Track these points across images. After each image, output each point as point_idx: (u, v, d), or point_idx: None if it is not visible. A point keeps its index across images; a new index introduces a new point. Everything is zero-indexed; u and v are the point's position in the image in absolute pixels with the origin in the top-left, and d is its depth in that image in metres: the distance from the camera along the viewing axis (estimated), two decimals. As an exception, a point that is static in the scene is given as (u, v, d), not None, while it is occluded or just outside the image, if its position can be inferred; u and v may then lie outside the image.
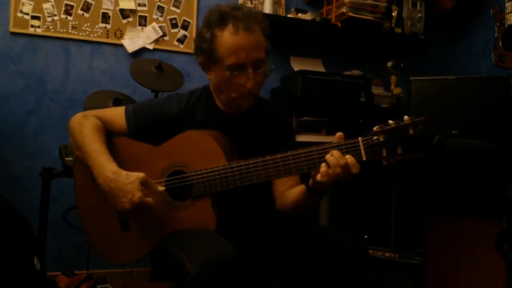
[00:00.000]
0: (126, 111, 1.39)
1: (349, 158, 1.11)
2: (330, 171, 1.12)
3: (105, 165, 1.23)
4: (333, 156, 1.11)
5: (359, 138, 1.12)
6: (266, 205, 1.44)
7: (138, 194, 1.17)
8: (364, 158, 1.12)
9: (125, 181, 1.19)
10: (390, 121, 1.11)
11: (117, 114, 1.39)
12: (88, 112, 1.38)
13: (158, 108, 1.39)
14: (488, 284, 1.99)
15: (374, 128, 1.11)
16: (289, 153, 1.18)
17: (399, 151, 1.09)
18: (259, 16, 1.30)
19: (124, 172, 1.21)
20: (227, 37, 1.25)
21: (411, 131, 1.08)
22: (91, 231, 1.37)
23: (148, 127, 1.37)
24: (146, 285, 2.07)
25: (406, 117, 1.09)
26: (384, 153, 1.10)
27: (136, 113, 1.38)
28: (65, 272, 2.05)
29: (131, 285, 2.11)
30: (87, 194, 1.36)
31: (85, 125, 1.31)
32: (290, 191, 1.38)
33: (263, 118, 1.43)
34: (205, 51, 1.29)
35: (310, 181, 1.21)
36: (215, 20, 1.27)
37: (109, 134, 1.35)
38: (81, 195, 1.39)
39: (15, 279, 1.33)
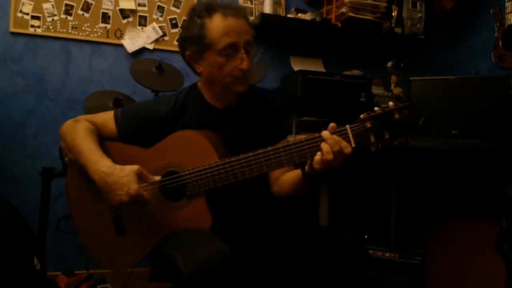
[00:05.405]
0: (115, 115, 1.39)
1: (341, 142, 1.13)
2: (324, 157, 1.13)
3: (99, 161, 1.23)
4: (326, 144, 1.13)
5: (347, 125, 1.15)
6: (262, 201, 1.43)
7: (134, 186, 1.18)
8: (353, 145, 1.14)
9: (120, 174, 1.19)
10: (376, 108, 1.13)
11: (107, 119, 1.40)
12: (79, 117, 1.40)
13: (146, 110, 1.40)
14: (488, 284, 1.99)
15: (361, 116, 1.14)
16: (279, 145, 1.19)
17: (386, 135, 1.11)
18: (244, 9, 1.35)
19: (118, 166, 1.21)
20: (217, 21, 1.29)
21: (397, 116, 1.10)
22: (86, 237, 1.36)
23: (138, 129, 1.37)
24: (146, 285, 2.07)
25: (391, 103, 1.12)
26: (372, 139, 1.12)
27: (125, 117, 1.39)
28: (65, 272, 2.05)
29: (131, 285, 2.11)
30: (81, 199, 1.36)
31: (77, 128, 1.33)
32: (285, 176, 1.39)
33: (255, 108, 1.43)
34: (195, 38, 1.31)
35: (307, 167, 1.22)
36: (202, 10, 1.31)
37: (100, 139, 1.35)
38: (74, 200, 1.38)
39: (15, 279, 1.33)
